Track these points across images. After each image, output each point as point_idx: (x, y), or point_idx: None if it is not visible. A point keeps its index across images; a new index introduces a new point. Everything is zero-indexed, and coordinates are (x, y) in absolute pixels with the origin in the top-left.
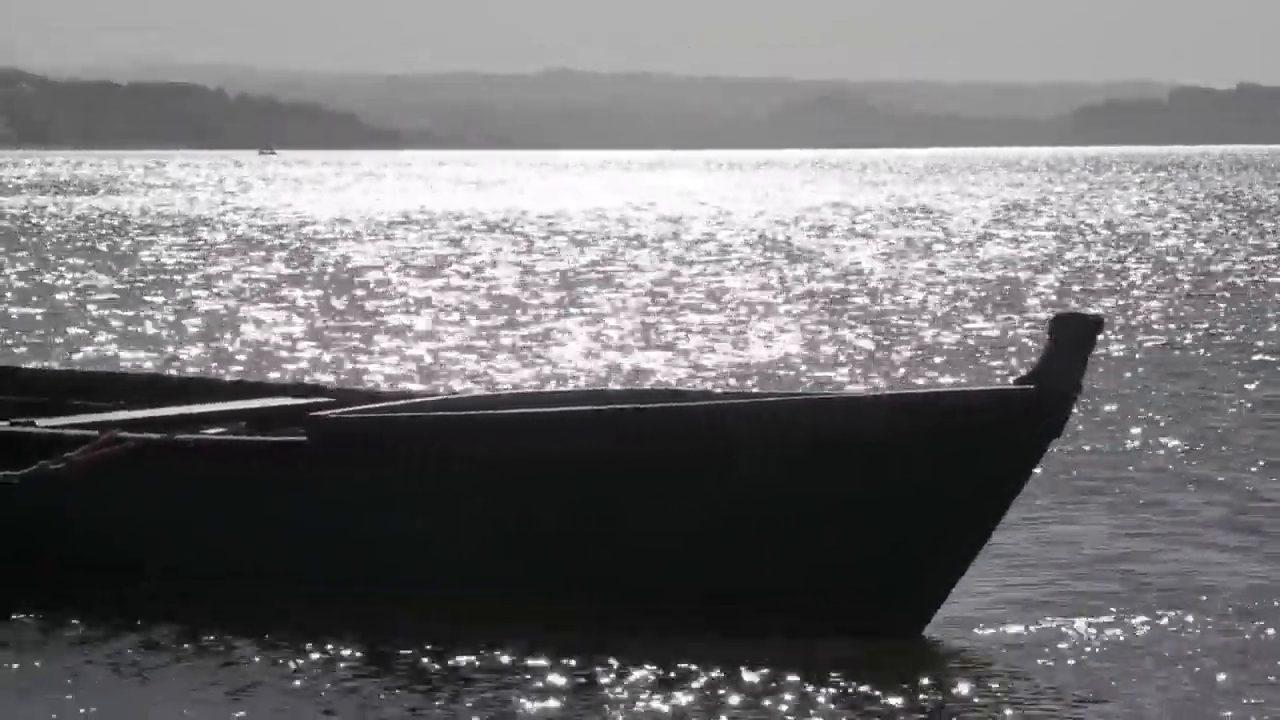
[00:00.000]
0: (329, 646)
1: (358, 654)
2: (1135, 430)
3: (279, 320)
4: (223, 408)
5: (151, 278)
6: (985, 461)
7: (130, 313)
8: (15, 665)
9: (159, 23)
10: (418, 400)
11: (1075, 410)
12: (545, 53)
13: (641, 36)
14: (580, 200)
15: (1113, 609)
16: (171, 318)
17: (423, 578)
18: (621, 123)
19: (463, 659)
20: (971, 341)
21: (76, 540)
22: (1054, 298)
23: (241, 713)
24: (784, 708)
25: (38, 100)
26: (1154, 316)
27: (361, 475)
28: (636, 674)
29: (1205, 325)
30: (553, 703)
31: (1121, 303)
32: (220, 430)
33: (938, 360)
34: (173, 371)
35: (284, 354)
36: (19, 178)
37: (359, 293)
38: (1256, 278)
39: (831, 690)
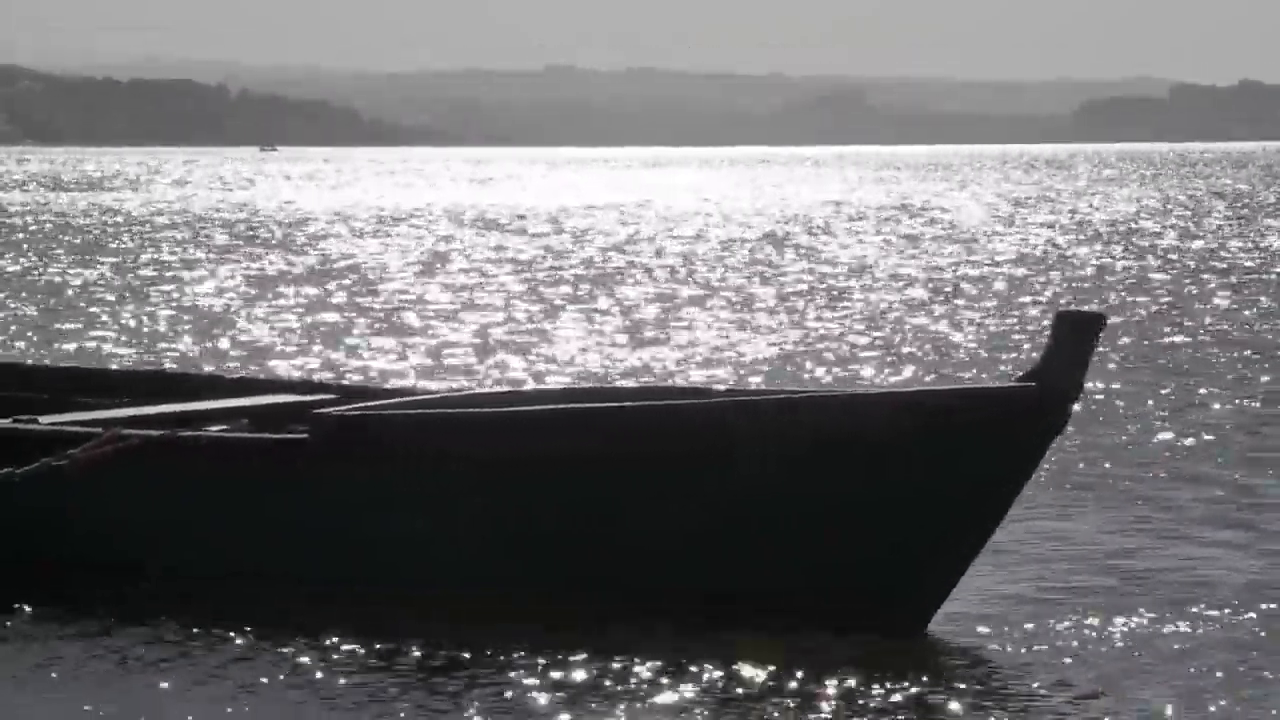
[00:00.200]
0: (330, 645)
1: (359, 652)
2: (1133, 427)
3: (282, 317)
4: (226, 405)
5: (154, 274)
6: (986, 460)
7: (133, 310)
8: (16, 663)
9: (159, 22)
10: (421, 397)
11: (1076, 408)
12: (546, 50)
13: (642, 35)
14: (581, 197)
15: (1112, 605)
16: (174, 315)
17: (427, 576)
18: (622, 120)
19: (463, 658)
20: (973, 339)
21: (79, 537)
22: (1055, 295)
23: (243, 710)
24: (784, 706)
25: (39, 98)
26: (1151, 313)
27: (365, 473)
28: (637, 674)
29: (1202, 322)
30: (553, 702)
31: (1119, 300)
32: (223, 427)
33: (938, 358)
34: (176, 368)
35: (287, 351)
36: (23, 174)
37: (362, 289)
38: (1254, 275)
39: (832, 688)
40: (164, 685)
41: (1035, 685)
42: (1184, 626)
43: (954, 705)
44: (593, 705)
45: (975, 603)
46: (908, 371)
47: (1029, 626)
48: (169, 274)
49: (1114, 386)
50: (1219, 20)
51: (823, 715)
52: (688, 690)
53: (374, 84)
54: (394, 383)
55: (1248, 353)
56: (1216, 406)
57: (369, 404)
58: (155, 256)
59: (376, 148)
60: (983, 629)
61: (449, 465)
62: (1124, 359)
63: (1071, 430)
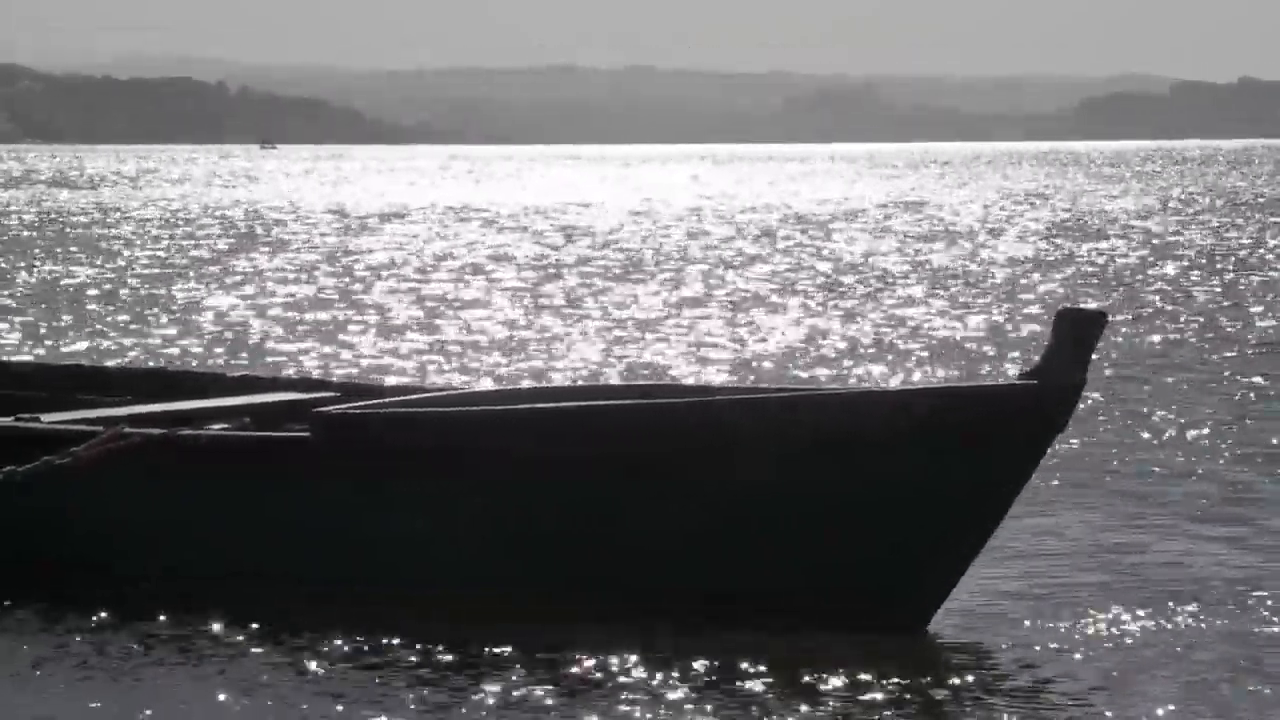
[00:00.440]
0: (330, 644)
1: (359, 652)
2: (1133, 424)
3: (282, 315)
4: (227, 403)
5: (155, 273)
6: (986, 458)
7: (134, 308)
8: (16, 663)
9: (159, 21)
10: (422, 396)
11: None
12: (546, 49)
13: (642, 34)
14: (581, 195)
15: (1112, 602)
16: (176, 312)
17: (428, 575)
18: (622, 119)
19: (463, 658)
20: (974, 337)
21: (81, 535)
22: (1057, 293)
23: (244, 710)
24: (784, 706)
25: (40, 97)
26: (1150, 310)
27: (365, 471)
28: (637, 674)
29: (1199, 319)
30: (553, 702)
31: (1119, 298)
32: (224, 426)
33: (939, 356)
34: (177, 367)
35: (288, 349)
36: (24, 172)
37: (363, 287)
38: (1251, 273)
39: (832, 688)
40: (164, 685)
41: (1036, 683)
42: (1183, 623)
43: (954, 704)
44: (593, 705)
45: (975, 601)
46: (908, 370)
47: (1029, 624)
48: (170, 272)
49: (1113, 384)
50: (1218, 18)
51: (823, 715)
52: (688, 690)
53: (374, 82)
54: (395, 381)
55: (1246, 351)
56: (1215, 403)
57: (370, 402)
58: (156, 254)
59: (376, 146)
60: (982, 627)
61: (450, 464)
62: (1123, 356)
63: (1071, 427)
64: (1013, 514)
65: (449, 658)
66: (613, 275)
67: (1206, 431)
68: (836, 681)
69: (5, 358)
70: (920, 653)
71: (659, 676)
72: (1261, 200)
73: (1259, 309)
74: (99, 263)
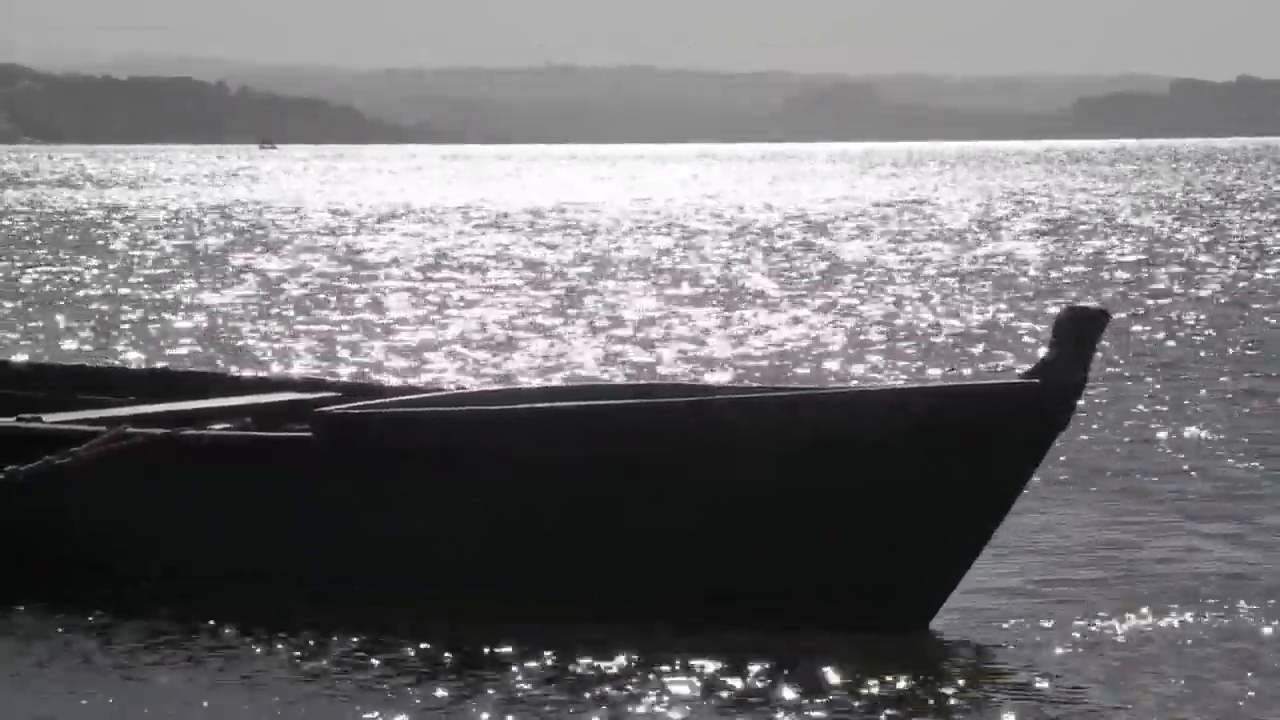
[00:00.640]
0: (331, 644)
1: (359, 652)
2: (1133, 421)
3: (284, 315)
4: (228, 403)
5: (156, 272)
6: (986, 457)
7: (136, 308)
8: (16, 663)
9: (159, 21)
10: (423, 395)
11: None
12: (546, 49)
13: (642, 34)
14: (581, 195)
15: (1112, 599)
16: (177, 313)
17: (429, 575)
18: (622, 119)
19: (463, 658)
20: (974, 336)
21: (82, 535)
22: (1057, 291)
23: (244, 710)
24: (784, 706)
25: (40, 97)
26: (1148, 308)
27: (367, 471)
28: (637, 674)
29: (1198, 317)
30: (553, 702)
31: (1116, 295)
32: (225, 426)
33: (940, 355)
34: (178, 367)
35: (289, 349)
36: (24, 172)
37: (364, 287)
38: (1249, 271)
39: (832, 688)
40: (164, 685)
41: (1036, 681)
42: (1183, 620)
43: (954, 703)
44: (592, 705)
45: (975, 599)
46: (908, 369)
47: (1029, 622)
48: (170, 272)
49: (1113, 382)
50: (1217, 17)
51: (823, 715)
52: (688, 690)
53: (373, 82)
54: (396, 381)
55: (1246, 349)
56: (1214, 401)
57: (371, 402)
58: (156, 254)
59: (376, 145)
60: (982, 625)
61: (450, 464)
62: (1122, 354)
63: (1071, 425)
64: (1012, 512)
65: (449, 658)
66: (612, 275)
67: (1207, 429)
68: (836, 681)
69: (6, 358)
70: (920, 652)
71: (659, 676)
72: (1260, 198)
73: (1258, 306)
74: (100, 263)
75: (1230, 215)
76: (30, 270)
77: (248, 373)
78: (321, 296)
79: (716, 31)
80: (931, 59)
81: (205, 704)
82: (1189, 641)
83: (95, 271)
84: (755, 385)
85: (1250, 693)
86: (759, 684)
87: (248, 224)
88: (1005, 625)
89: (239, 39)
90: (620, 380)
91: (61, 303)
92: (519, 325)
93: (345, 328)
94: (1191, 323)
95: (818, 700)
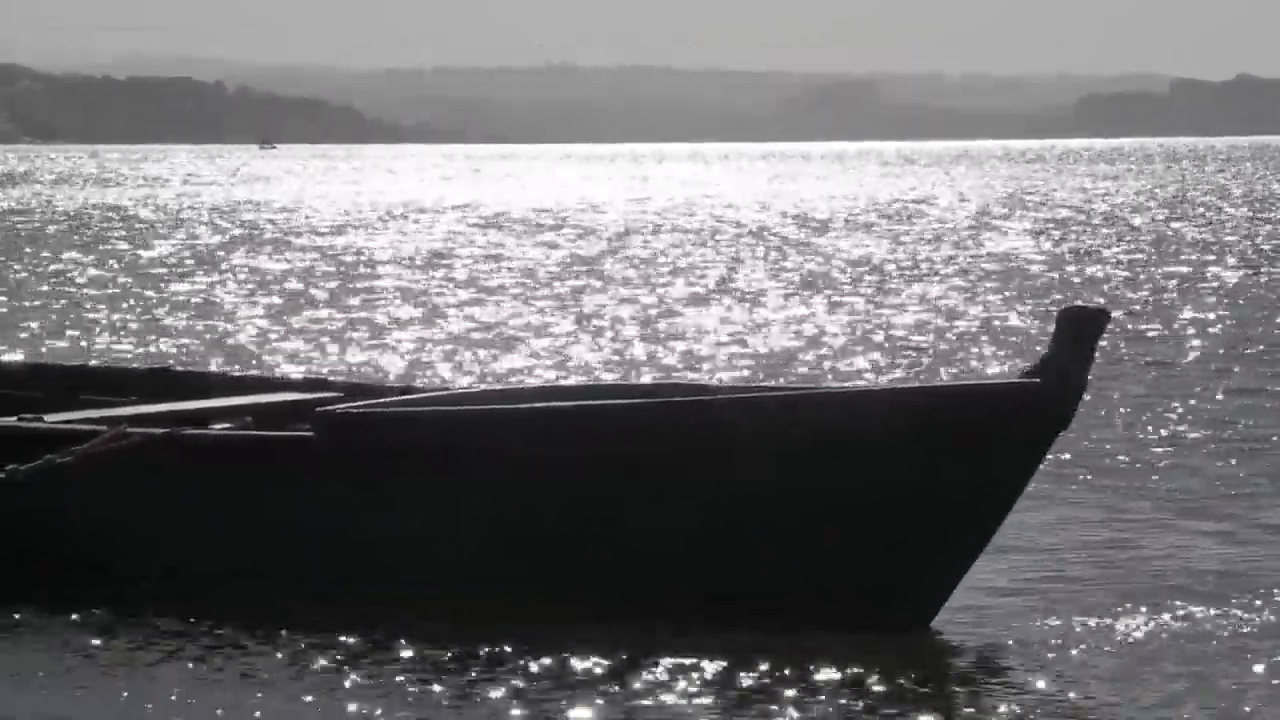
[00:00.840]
0: (331, 644)
1: (359, 652)
2: (1134, 420)
3: (285, 315)
4: (229, 403)
5: (157, 272)
6: (986, 457)
7: (137, 308)
8: (16, 663)
9: (159, 21)
10: (424, 395)
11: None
12: (546, 49)
13: (642, 34)
14: (582, 194)
15: (1113, 598)
16: (179, 312)
17: (430, 575)
18: (622, 119)
19: (464, 658)
20: (974, 336)
21: (82, 535)
22: (1057, 290)
23: (244, 710)
24: (784, 706)
25: (39, 97)
26: (1145, 308)
27: (368, 471)
28: (637, 674)
29: (1198, 316)
30: (553, 702)
31: (1114, 295)
32: (227, 426)
33: (940, 354)
34: (180, 367)
35: (291, 349)
36: (24, 173)
37: (366, 287)
38: (1248, 270)
39: (832, 688)
40: (165, 685)
41: (1036, 680)
42: (1183, 618)
43: (955, 703)
44: (593, 705)
45: (974, 598)
46: (909, 369)
47: (1029, 621)
48: (172, 272)
49: (1112, 381)
50: (1216, 17)
51: (823, 715)
52: (688, 690)
53: (373, 82)
54: (397, 381)
55: (1245, 348)
56: (1213, 399)
57: (372, 402)
58: (157, 254)
59: (376, 145)
60: (982, 624)
61: (451, 464)
62: (1121, 353)
63: (1074, 425)
64: (1012, 511)
65: (449, 658)
66: (613, 274)
67: (1206, 428)
68: (836, 681)
69: (8, 358)
70: (920, 652)
71: (659, 676)
72: (1258, 197)
73: (1258, 306)
74: (101, 262)
75: (1228, 214)
76: (31, 270)
77: (248, 372)
78: (322, 296)
79: (716, 31)
80: (931, 58)
81: (205, 704)
82: (1189, 640)
83: (95, 271)
84: (755, 385)
85: (1250, 690)
86: (759, 684)
87: (248, 224)
88: (1005, 625)
89: (238, 39)
90: (620, 380)
91: (61, 303)
92: (519, 325)
93: (346, 327)
94: (1190, 322)
95: (818, 700)
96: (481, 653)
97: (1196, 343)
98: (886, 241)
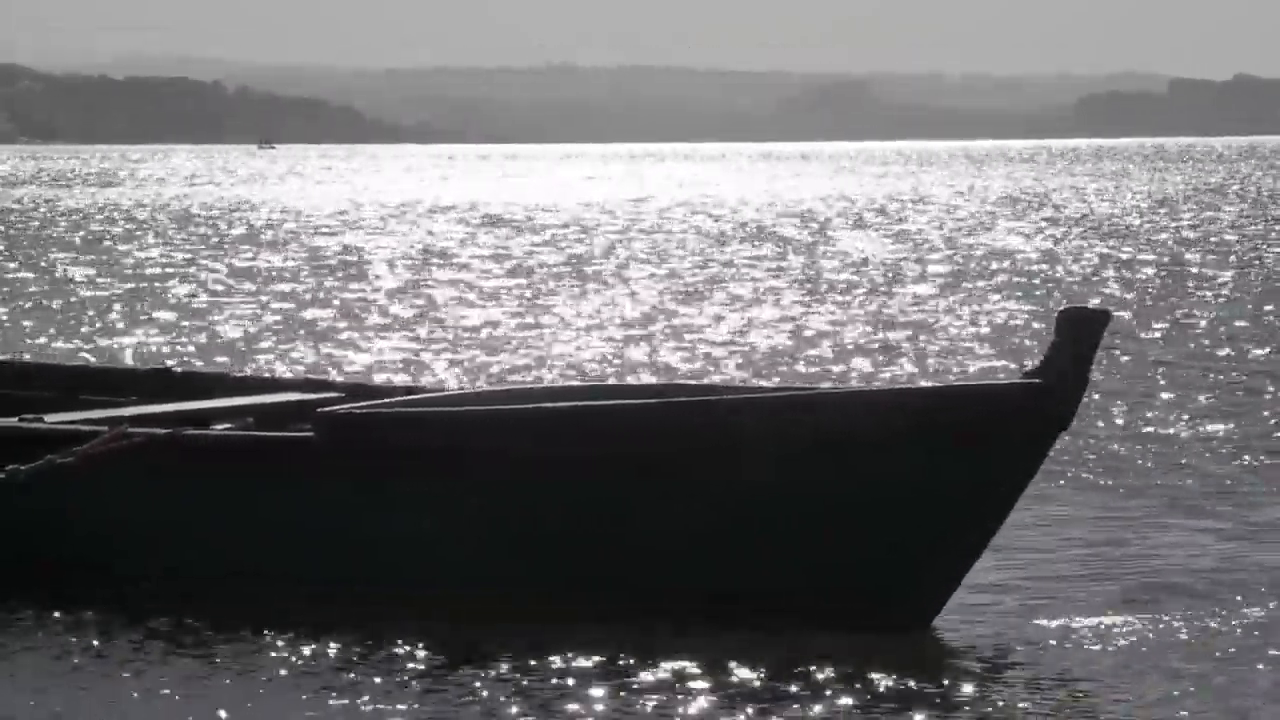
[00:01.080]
0: (331, 645)
1: (360, 652)
2: (1135, 420)
3: (286, 315)
4: (230, 404)
5: (157, 272)
6: (986, 457)
7: (138, 308)
8: (16, 663)
9: (159, 21)
10: (425, 396)
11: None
12: (546, 49)
13: (642, 34)
14: (582, 194)
15: (1113, 598)
16: (179, 313)
17: (431, 575)
18: (622, 118)
19: (464, 658)
20: (975, 336)
21: (83, 535)
22: (1058, 290)
23: (244, 710)
24: (784, 706)
25: (39, 97)
26: (1145, 308)
27: (369, 471)
28: (637, 674)
29: (1197, 315)
30: (553, 702)
31: (1114, 295)
32: (227, 426)
33: (941, 354)
34: (181, 367)
35: (292, 350)
36: (25, 173)
37: (366, 287)
38: (1247, 270)
39: (832, 688)
40: (165, 685)
41: (1036, 680)
42: (1184, 618)
43: (955, 703)
44: (593, 705)
45: (974, 598)
46: (909, 369)
47: (1029, 621)
48: (171, 272)
49: (1112, 381)
50: (1215, 16)
51: (823, 715)
52: (688, 690)
53: (373, 82)
54: (398, 381)
55: (1243, 346)
56: (1212, 398)
57: (373, 402)
58: (158, 254)
59: (376, 145)
60: (982, 624)
61: (453, 464)
62: (1121, 352)
63: (1075, 424)
64: (1012, 511)
65: (449, 658)
66: (612, 274)
67: (1206, 427)
68: (836, 681)
69: (8, 358)
70: (920, 652)
71: (659, 676)
72: (1257, 196)
73: (1257, 305)
74: (102, 263)
75: (1227, 213)
76: (31, 270)
77: (249, 373)
78: (323, 297)
79: (716, 31)
80: (931, 58)
81: (205, 703)
82: (1189, 639)
83: (95, 271)
84: (755, 385)
85: (1250, 689)
86: (759, 684)
87: (248, 223)
88: (1006, 625)
89: (238, 39)
90: (621, 380)
91: (61, 303)
92: (521, 326)
93: (347, 328)
94: (1189, 322)
95: (818, 700)
96: (482, 653)
97: (1195, 343)
98: (886, 241)
